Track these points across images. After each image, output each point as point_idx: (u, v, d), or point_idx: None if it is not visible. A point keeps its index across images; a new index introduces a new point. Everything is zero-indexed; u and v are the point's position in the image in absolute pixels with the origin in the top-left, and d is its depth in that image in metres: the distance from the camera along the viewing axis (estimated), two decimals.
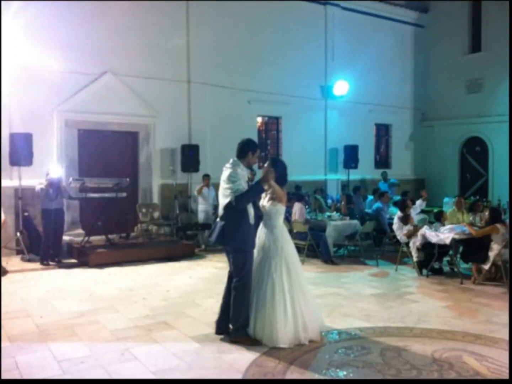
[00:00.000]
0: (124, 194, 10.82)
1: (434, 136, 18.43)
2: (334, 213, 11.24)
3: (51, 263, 9.98)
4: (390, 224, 9.99)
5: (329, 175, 16.24)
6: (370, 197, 13.08)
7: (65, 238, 10.83)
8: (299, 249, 7.13)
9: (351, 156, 15.77)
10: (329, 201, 14.15)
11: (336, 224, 10.31)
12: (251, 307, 5.33)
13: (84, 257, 10.01)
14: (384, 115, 17.52)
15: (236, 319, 5.34)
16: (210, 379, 4.49)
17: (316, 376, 4.49)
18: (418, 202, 10.95)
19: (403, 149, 18.47)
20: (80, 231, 11.54)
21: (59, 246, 10.30)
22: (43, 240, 10.05)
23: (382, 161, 18.17)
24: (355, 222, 10.65)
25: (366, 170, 16.77)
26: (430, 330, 5.71)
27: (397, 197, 13.00)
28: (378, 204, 11.58)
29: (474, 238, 8.07)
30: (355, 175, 16.37)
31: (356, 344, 5.25)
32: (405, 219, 9.08)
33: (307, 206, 11.37)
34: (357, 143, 15.99)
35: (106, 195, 10.59)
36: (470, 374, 4.49)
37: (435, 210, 10.29)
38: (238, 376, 4.52)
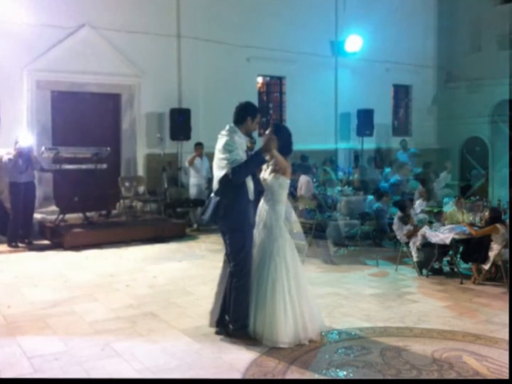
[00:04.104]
0: (104, 166, 10.90)
1: (460, 100, 18.26)
2: (346, 187, 11.21)
3: (20, 244, 10.04)
4: (390, 224, 10.34)
5: (340, 144, 16.25)
6: (387, 169, 13.03)
7: (37, 216, 10.86)
8: (305, 233, 7.38)
9: (365, 122, 15.73)
10: (340, 173, 14.14)
11: (348, 200, 10.30)
12: (251, 307, 5.49)
13: (58, 238, 10.06)
14: (403, 75, 17.47)
15: (236, 319, 5.44)
16: (210, 379, 4.66)
17: (316, 376, 4.82)
18: (418, 202, 11.23)
19: (425, 114, 18.43)
20: (53, 208, 11.59)
21: (29, 225, 10.33)
22: (11, 218, 10.06)
23: (401, 127, 18.19)
24: (370, 198, 10.64)
25: (382, 138, 16.80)
26: (430, 330, 6.06)
27: (418, 170, 12.98)
28: (378, 205, 11.80)
29: (474, 238, 8.62)
30: (369, 144, 16.35)
31: (356, 344, 5.60)
32: (405, 219, 9.55)
33: (314, 180, 11.37)
34: (372, 107, 15.92)
35: (84, 166, 10.67)
36: (470, 374, 4.88)
37: (435, 210, 10.66)
38: (238, 376, 4.73)
